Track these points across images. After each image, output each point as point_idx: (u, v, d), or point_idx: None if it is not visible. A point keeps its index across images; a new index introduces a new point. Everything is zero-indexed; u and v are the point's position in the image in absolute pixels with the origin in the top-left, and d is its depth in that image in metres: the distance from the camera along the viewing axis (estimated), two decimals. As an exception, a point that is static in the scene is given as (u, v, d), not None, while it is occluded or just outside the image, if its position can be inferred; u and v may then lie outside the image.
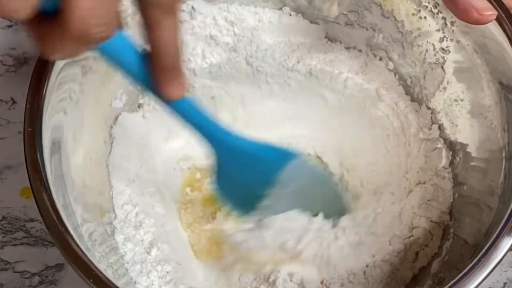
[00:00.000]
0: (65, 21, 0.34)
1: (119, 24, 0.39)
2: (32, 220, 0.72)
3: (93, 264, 0.49)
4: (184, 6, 0.67)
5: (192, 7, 0.68)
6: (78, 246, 0.50)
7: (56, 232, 0.50)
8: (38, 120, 0.53)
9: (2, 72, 0.78)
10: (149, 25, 0.40)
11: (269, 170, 0.61)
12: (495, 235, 0.51)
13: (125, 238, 0.63)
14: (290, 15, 0.71)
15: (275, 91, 0.74)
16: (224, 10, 0.69)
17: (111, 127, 0.67)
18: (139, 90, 0.68)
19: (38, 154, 0.52)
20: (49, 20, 0.35)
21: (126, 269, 0.61)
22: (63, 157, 0.56)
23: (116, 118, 0.68)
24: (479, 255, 0.50)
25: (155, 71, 0.42)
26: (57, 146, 0.56)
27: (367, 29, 0.70)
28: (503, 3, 0.57)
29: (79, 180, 0.59)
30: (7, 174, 0.75)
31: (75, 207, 0.55)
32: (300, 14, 0.71)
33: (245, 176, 0.60)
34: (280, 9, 0.71)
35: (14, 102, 0.77)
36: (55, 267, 0.71)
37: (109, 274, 0.53)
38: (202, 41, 0.70)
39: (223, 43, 0.70)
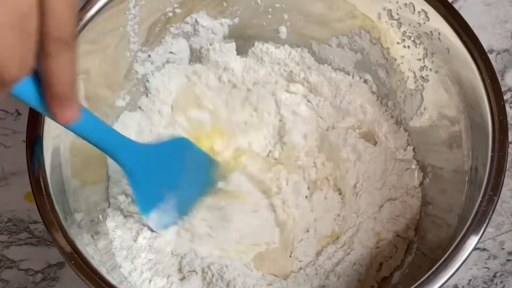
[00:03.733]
0: None
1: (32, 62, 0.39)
2: (35, 222, 0.76)
3: (91, 266, 0.54)
4: (188, 19, 0.71)
5: (196, 21, 0.72)
6: (78, 249, 0.54)
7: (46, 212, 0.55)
8: (40, 130, 0.58)
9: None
10: (45, 57, 0.40)
11: (169, 159, 0.67)
12: (449, 251, 0.55)
13: (115, 225, 0.67)
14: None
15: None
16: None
17: (113, 124, 0.71)
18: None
19: (40, 162, 0.56)
20: None
21: (113, 254, 0.66)
22: (63, 150, 0.61)
23: (118, 116, 0.72)
24: (434, 268, 0.55)
25: (46, 98, 0.42)
26: (57, 143, 0.61)
27: (355, 53, 0.74)
28: (477, 39, 0.62)
29: (79, 168, 0.65)
30: (12, 180, 0.78)
31: (70, 197, 0.61)
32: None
33: (156, 171, 0.65)
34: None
35: (19, 113, 0.80)
36: (57, 265, 0.75)
37: (95, 257, 0.59)
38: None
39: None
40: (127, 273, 0.65)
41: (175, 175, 0.67)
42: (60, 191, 0.59)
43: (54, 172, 0.59)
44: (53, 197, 0.56)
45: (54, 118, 0.44)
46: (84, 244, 0.58)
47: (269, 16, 0.74)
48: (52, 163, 0.59)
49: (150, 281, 0.65)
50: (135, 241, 0.67)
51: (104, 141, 0.56)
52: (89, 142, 0.54)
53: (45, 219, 0.55)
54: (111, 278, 0.56)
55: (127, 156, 0.60)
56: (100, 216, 0.67)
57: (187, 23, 0.72)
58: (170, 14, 0.70)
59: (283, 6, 0.73)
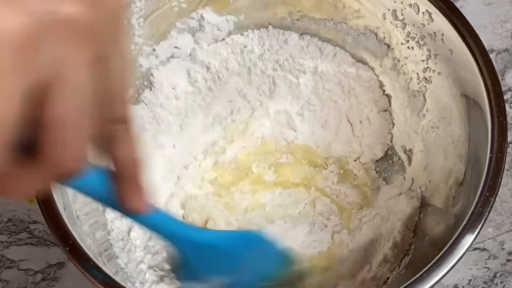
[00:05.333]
0: (40, 162, 0.33)
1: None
2: (35, 222, 0.76)
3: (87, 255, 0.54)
4: (193, 14, 0.72)
5: (202, 16, 0.72)
6: (74, 238, 0.54)
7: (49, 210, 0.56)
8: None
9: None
10: (112, 143, 0.38)
11: (236, 256, 0.60)
12: (443, 250, 0.55)
13: (114, 217, 0.67)
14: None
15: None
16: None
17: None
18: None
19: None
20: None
21: (111, 244, 0.66)
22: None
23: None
24: (427, 267, 0.55)
25: (119, 186, 0.41)
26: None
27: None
28: (480, 41, 0.62)
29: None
30: None
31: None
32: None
33: (211, 265, 0.58)
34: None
35: None
36: (57, 265, 0.75)
37: (92, 247, 0.59)
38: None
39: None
40: (124, 264, 0.65)
41: (232, 266, 0.61)
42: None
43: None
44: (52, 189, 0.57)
45: (125, 208, 0.42)
46: (82, 234, 0.59)
47: (274, 14, 0.74)
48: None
49: (145, 274, 0.65)
50: (128, 234, 0.68)
51: (170, 233, 0.52)
52: (155, 233, 0.51)
53: (44, 209, 0.55)
54: (107, 268, 0.57)
55: (188, 245, 0.55)
56: (100, 207, 0.67)
57: (193, 18, 0.72)
58: (176, 9, 0.70)
59: (289, 4, 0.73)
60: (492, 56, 0.81)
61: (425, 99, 0.70)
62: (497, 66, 0.81)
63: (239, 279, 0.61)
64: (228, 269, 0.59)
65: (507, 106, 0.72)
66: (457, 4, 0.82)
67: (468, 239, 0.55)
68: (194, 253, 0.55)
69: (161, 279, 0.65)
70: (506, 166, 0.76)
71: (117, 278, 0.55)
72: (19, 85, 0.29)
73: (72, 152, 0.33)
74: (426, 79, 0.70)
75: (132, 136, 0.39)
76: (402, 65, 0.72)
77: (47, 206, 0.56)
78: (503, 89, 0.74)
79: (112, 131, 0.38)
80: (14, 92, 0.28)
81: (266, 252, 0.63)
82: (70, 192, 0.60)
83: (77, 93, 0.32)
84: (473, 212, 0.56)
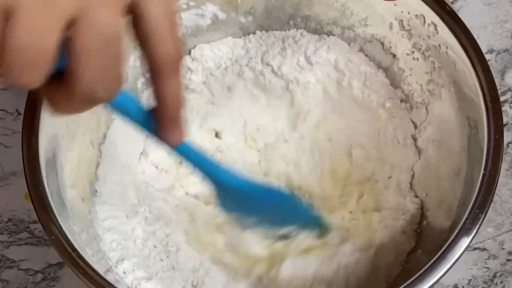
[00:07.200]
0: (73, 86, 0.36)
1: (122, 83, 0.39)
2: (35, 222, 0.76)
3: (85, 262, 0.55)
4: (200, 11, 0.72)
5: (208, 14, 0.72)
6: (73, 247, 0.57)
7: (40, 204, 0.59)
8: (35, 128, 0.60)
9: (8, 86, 0.80)
10: (156, 82, 0.41)
11: (257, 203, 0.64)
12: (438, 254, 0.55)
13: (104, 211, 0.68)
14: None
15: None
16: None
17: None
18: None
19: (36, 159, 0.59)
20: (57, 80, 0.37)
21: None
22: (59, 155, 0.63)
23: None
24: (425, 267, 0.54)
25: (160, 121, 0.43)
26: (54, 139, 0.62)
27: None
28: (481, 52, 0.62)
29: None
30: (12, 180, 0.78)
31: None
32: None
33: (238, 203, 0.63)
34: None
35: (19, 113, 0.80)
36: (57, 265, 0.75)
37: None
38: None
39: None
40: (122, 273, 0.65)
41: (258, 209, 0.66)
42: (57, 193, 0.61)
43: (48, 166, 0.61)
44: (49, 196, 0.60)
45: (164, 141, 0.45)
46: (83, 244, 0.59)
47: (282, 17, 0.74)
48: (47, 161, 0.61)
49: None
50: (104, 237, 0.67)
51: (199, 163, 0.56)
52: (186, 161, 0.55)
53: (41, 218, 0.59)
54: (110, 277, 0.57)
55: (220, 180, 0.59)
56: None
57: (201, 15, 0.72)
58: (184, 6, 0.71)
59: (297, 10, 0.73)
60: (492, 56, 0.81)
61: (427, 111, 0.70)
62: (497, 66, 0.81)
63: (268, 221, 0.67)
64: (254, 211, 0.65)
65: (507, 106, 0.72)
66: (457, 4, 0.82)
67: (459, 249, 0.55)
68: (221, 186, 0.59)
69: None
70: (506, 166, 0.76)
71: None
72: (56, 18, 0.33)
73: (100, 80, 0.36)
74: (429, 91, 0.69)
75: (180, 74, 0.41)
76: (407, 76, 0.71)
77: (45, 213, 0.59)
78: (503, 89, 0.74)
79: (161, 66, 0.39)
80: (52, 25, 0.33)
81: (294, 208, 0.68)
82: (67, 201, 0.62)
83: (100, 29, 0.34)
84: (461, 228, 0.55)
